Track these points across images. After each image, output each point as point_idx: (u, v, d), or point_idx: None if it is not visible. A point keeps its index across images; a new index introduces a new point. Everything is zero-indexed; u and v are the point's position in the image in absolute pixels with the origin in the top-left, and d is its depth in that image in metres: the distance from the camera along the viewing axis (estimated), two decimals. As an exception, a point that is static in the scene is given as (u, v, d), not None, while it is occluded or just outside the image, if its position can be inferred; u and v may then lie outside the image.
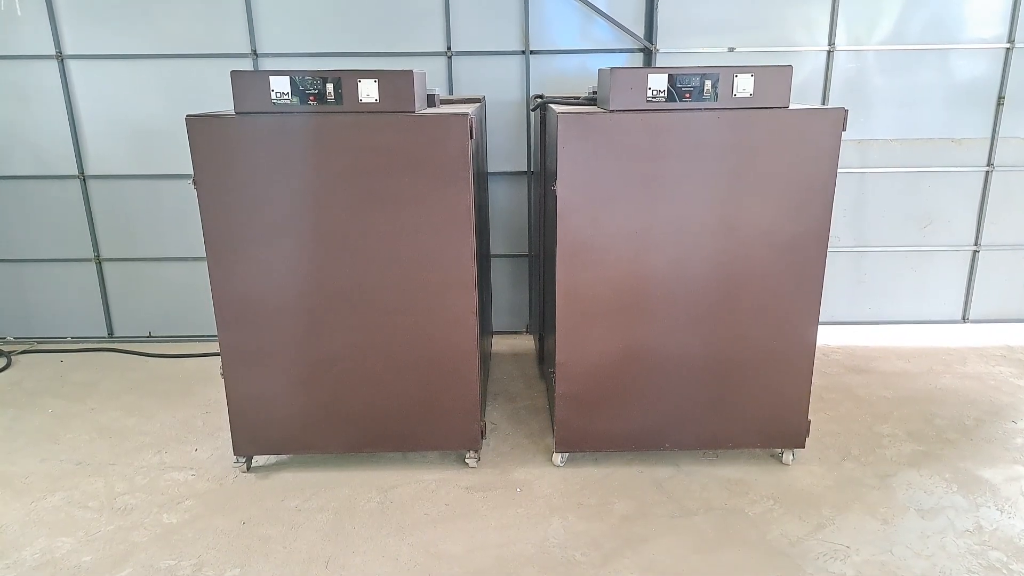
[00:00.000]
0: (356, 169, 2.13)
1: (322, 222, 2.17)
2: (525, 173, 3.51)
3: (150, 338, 3.68)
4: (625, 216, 2.18)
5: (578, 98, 2.61)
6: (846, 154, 3.40)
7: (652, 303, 2.26)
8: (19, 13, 3.25)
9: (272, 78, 2.09)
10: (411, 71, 2.12)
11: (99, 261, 3.59)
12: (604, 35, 3.31)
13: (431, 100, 2.46)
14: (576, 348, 2.30)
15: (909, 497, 2.28)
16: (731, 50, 3.33)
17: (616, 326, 2.27)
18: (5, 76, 3.32)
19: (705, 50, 3.32)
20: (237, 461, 2.44)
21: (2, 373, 3.32)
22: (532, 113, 3.31)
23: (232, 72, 2.11)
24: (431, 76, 3.30)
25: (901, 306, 3.70)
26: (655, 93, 2.11)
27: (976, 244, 3.62)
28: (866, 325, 3.70)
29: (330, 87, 2.09)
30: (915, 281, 3.66)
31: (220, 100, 3.07)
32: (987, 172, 3.52)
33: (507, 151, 3.46)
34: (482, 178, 2.95)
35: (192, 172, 2.14)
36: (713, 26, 3.30)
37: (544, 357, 3.07)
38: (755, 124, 2.12)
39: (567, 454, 2.47)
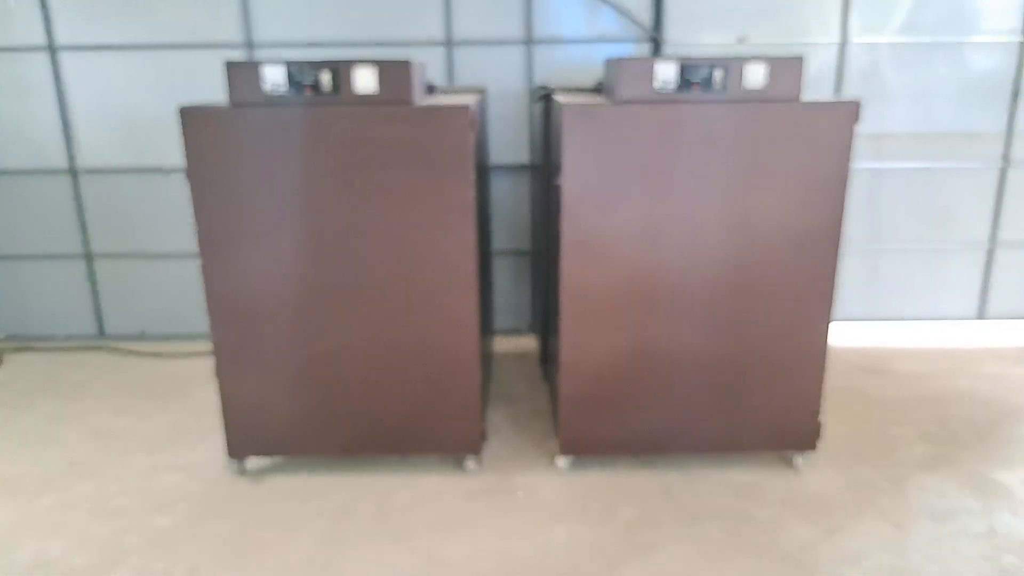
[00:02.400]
0: (353, 162, 2.08)
1: (318, 217, 2.13)
2: (528, 167, 3.45)
3: (142, 337, 3.63)
4: (632, 211, 2.13)
5: (583, 89, 2.54)
6: (859, 148, 3.32)
7: (659, 301, 2.21)
8: (11, 4, 3.18)
9: (267, 68, 2.04)
10: (409, 61, 2.07)
11: (90, 257, 3.53)
12: (610, 25, 3.25)
13: (430, 91, 2.41)
14: (581, 348, 2.25)
15: (922, 501, 2.24)
16: (741, 41, 3.26)
17: (622, 325, 2.22)
18: (-5, 68, 3.27)
19: (715, 40, 3.25)
20: (231, 463, 2.40)
21: (-7, 372, 3.28)
22: (535, 105, 3.24)
23: (226, 62, 2.06)
24: (431, 66, 3.21)
25: (915, 305, 3.65)
26: (663, 84, 2.06)
27: (991, 241, 3.55)
28: (879, 323, 3.64)
29: (326, 77, 2.05)
30: (929, 279, 3.61)
31: (214, 91, 3.00)
32: (1003, 168, 3.46)
33: (509, 144, 3.40)
34: (483, 172, 2.89)
35: (185, 165, 2.08)
36: (723, 16, 3.23)
37: (547, 358, 3.03)
38: (766, 116, 2.07)
39: (571, 458, 2.42)
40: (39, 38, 3.21)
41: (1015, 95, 3.33)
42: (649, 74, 2.05)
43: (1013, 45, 3.29)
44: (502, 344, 3.55)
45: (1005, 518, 2.14)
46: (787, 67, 2.06)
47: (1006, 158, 3.44)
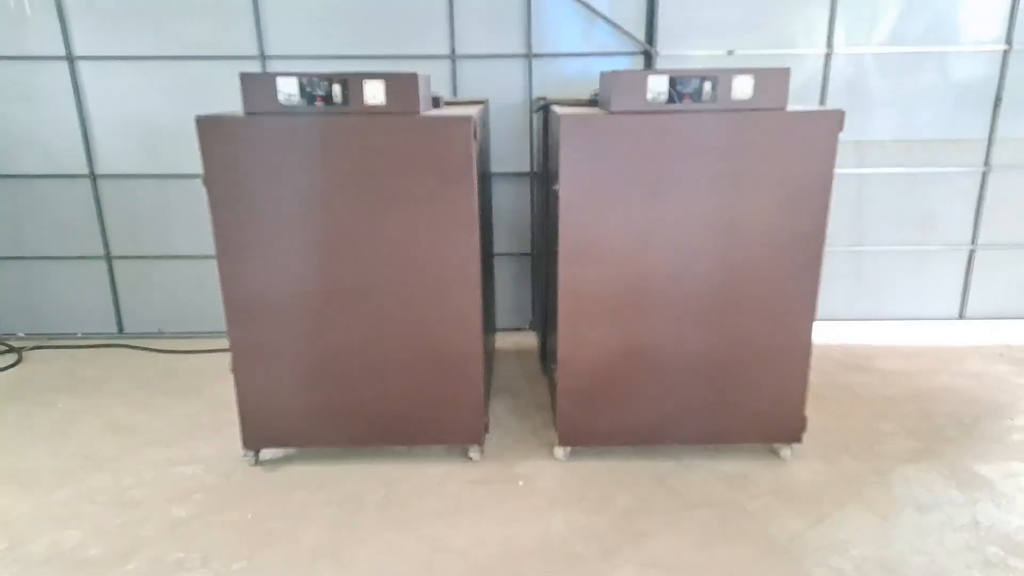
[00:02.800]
0: (363, 170, 2.16)
1: (329, 221, 2.20)
2: (528, 174, 3.54)
3: (160, 334, 3.71)
4: (626, 216, 2.21)
5: (580, 101, 2.64)
6: (845, 155, 3.42)
7: (652, 301, 2.29)
8: (29, 14, 3.30)
9: (280, 80, 2.12)
10: (416, 74, 2.15)
11: (109, 259, 3.63)
12: (606, 38, 3.35)
13: (436, 102, 2.50)
14: (578, 345, 2.32)
15: (907, 493, 2.29)
16: (730, 53, 3.37)
17: (617, 323, 2.30)
18: (16, 77, 3.36)
19: (705, 53, 3.36)
20: (245, 455, 2.47)
21: (12, 369, 3.35)
22: (535, 115, 3.35)
23: (241, 74, 2.14)
24: (436, 79, 3.33)
25: (899, 305, 3.72)
26: (655, 95, 2.14)
27: (973, 243, 3.64)
28: (865, 323, 3.72)
29: (337, 89, 2.12)
30: (913, 280, 3.68)
31: (229, 101, 3.11)
32: (984, 172, 3.55)
33: (510, 152, 3.48)
34: (486, 179, 2.97)
35: (202, 172, 2.17)
36: (713, 29, 3.32)
37: (546, 354, 3.10)
38: (754, 125, 2.14)
39: (569, 448, 2.49)
40: (58, 48, 3.31)
41: (997, 102, 3.43)
42: (642, 86, 2.13)
43: (996, 54, 3.37)
44: (504, 341, 3.61)
45: (988, 510, 2.20)
46: (773, 78, 2.14)
47: (987, 163, 3.54)
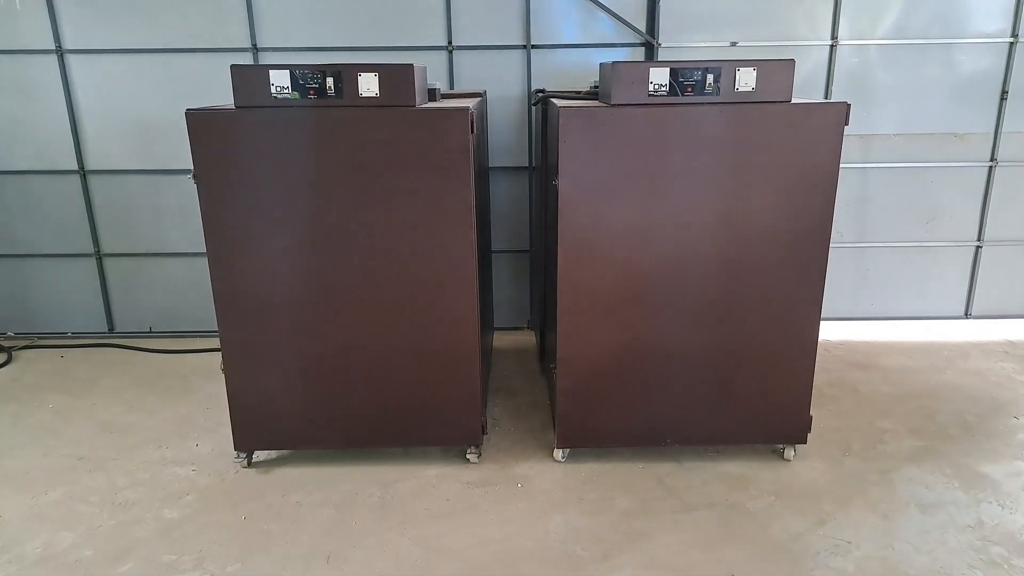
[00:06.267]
0: (357, 163, 2.13)
1: (323, 217, 2.17)
2: (526, 168, 3.50)
3: (151, 333, 3.68)
4: (627, 211, 2.18)
5: (579, 92, 2.60)
6: (849, 149, 3.39)
7: (654, 298, 2.26)
8: (18, 7, 3.24)
9: (272, 72, 2.08)
10: (411, 65, 2.11)
11: (100, 256, 3.59)
12: (606, 29, 3.30)
13: (432, 94, 2.46)
14: (578, 344, 2.30)
15: (910, 492, 2.28)
16: (733, 44, 3.32)
17: (618, 321, 2.27)
18: (5, 70, 3.32)
19: (707, 44, 3.31)
20: (238, 456, 2.45)
21: (3, 368, 3.32)
22: (533, 107, 3.30)
23: (232, 66, 2.11)
24: (432, 70, 3.28)
25: (903, 302, 3.70)
26: (657, 87, 2.11)
27: (979, 240, 3.61)
28: (868, 321, 3.70)
29: (330, 81, 2.09)
30: (917, 277, 3.66)
31: (220, 94, 3.06)
32: (990, 167, 3.52)
33: (508, 146, 3.45)
34: (483, 173, 2.94)
35: (192, 167, 2.13)
36: (715, 20, 3.29)
37: (545, 353, 3.08)
38: (757, 118, 2.11)
39: (568, 449, 2.47)
40: (47, 42, 3.26)
41: (1003, 95, 3.39)
42: (643, 77, 2.09)
43: (1002, 46, 3.34)
44: (502, 340, 3.60)
45: (992, 510, 2.18)
46: (777, 70, 2.11)
47: (994, 158, 3.50)
